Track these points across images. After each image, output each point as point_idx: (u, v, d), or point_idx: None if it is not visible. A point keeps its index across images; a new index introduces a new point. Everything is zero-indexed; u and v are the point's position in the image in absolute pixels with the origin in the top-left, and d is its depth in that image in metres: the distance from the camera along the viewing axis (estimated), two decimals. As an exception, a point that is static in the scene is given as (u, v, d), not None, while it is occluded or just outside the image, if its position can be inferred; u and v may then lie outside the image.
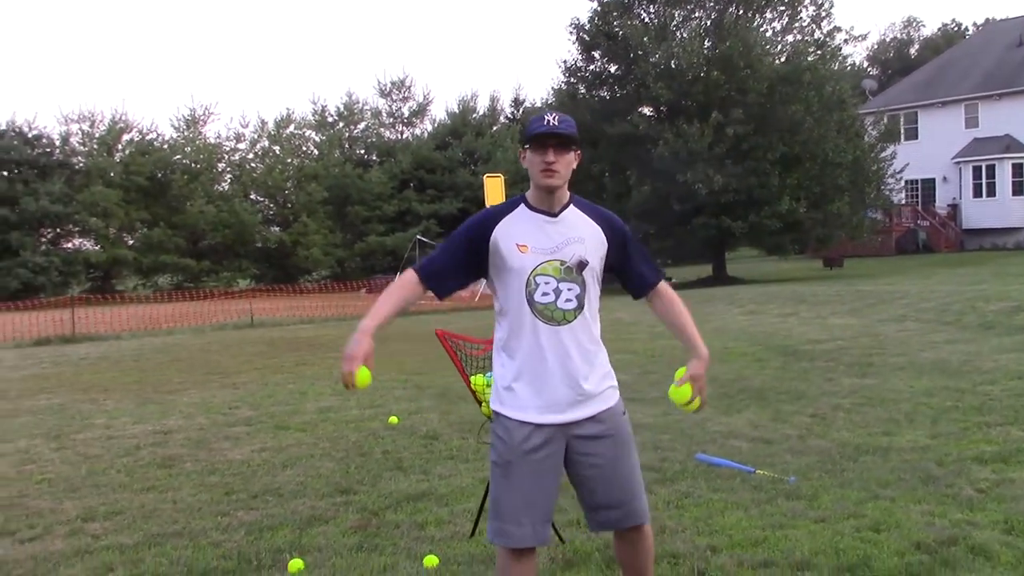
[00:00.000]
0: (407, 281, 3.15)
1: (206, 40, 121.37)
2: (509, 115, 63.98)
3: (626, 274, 3.21)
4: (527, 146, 3.04)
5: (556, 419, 3.06)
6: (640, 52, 31.20)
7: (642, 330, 16.26)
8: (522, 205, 3.12)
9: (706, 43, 31.69)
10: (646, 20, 32.75)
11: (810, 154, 29.92)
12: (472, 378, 4.51)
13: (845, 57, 35.19)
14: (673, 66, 30.99)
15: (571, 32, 34.04)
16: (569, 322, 3.06)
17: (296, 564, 4.29)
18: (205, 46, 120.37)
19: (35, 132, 46.42)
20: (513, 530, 3.05)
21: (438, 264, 3.15)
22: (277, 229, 50.99)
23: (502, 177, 27.93)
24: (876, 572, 3.92)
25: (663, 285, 3.26)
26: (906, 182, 39.90)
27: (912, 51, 72.13)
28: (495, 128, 56.97)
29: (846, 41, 41.44)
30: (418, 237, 35.72)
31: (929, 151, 40.34)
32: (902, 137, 40.49)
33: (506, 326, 3.12)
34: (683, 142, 29.05)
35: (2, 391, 11.67)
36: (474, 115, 55.65)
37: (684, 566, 4.10)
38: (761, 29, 32.22)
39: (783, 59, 31.75)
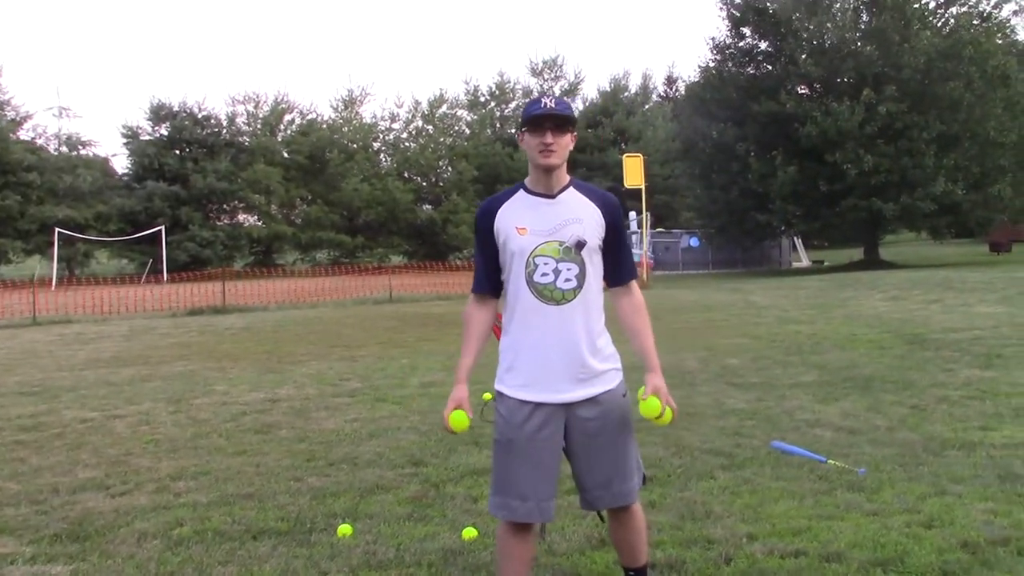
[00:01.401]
0: (472, 312, 3.34)
1: (363, 23, 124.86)
2: (661, 93, 63.18)
3: (607, 260, 3.20)
4: (524, 129, 3.10)
5: (555, 398, 3.12)
6: (791, 27, 30.29)
7: (772, 315, 15.96)
8: (521, 190, 3.20)
9: (862, 16, 30.48)
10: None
11: (970, 133, 28.46)
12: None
13: (1014, 28, 33.15)
14: (825, 41, 29.96)
15: (721, 7, 33.43)
16: (569, 301, 3.10)
17: (344, 529, 4.49)
18: (362, 29, 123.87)
19: (204, 113, 49.01)
20: (517, 505, 3.12)
21: (481, 272, 3.29)
22: (428, 207, 52.22)
23: (641, 157, 27.71)
24: (909, 568, 3.80)
25: (635, 285, 3.27)
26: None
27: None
28: (647, 107, 56.44)
29: (1015, 12, 38.84)
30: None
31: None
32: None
33: (510, 307, 3.21)
34: (832, 120, 28.11)
35: (146, 356, 12.52)
36: (625, 94, 55.26)
37: (715, 551, 4.08)
38: (922, 1, 30.73)
39: (943, 33, 30.11)
